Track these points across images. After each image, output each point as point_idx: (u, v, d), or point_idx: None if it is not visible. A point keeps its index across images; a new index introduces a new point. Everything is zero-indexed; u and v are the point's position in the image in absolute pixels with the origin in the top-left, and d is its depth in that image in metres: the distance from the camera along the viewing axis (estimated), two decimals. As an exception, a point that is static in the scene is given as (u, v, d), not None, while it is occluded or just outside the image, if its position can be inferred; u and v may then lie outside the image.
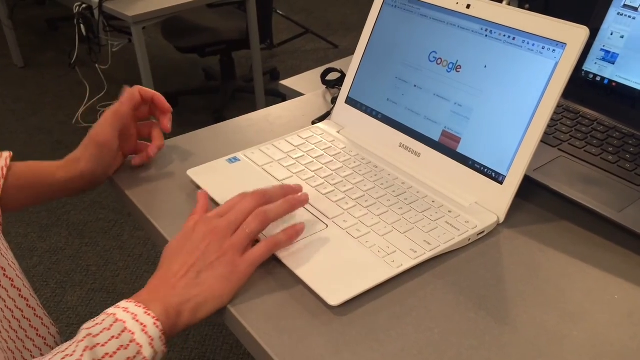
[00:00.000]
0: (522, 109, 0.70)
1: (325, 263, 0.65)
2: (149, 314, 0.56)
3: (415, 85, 0.82)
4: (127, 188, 0.81)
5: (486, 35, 0.75)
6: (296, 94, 1.38)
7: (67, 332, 1.86)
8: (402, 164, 0.81)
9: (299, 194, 0.69)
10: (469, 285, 0.64)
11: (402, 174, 0.80)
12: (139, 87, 0.83)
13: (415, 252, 0.66)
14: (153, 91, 0.84)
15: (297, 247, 0.67)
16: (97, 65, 2.86)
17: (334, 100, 0.98)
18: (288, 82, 1.58)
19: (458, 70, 0.78)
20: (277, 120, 0.98)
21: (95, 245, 2.24)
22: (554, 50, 0.69)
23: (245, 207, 0.66)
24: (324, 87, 1.06)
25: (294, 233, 0.67)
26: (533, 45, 0.70)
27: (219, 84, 3.16)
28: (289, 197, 0.68)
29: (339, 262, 0.65)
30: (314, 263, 0.65)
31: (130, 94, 0.80)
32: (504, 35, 0.73)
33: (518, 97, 0.71)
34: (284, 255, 0.66)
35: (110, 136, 0.78)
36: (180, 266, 0.61)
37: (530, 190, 0.75)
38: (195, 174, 0.81)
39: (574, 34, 0.67)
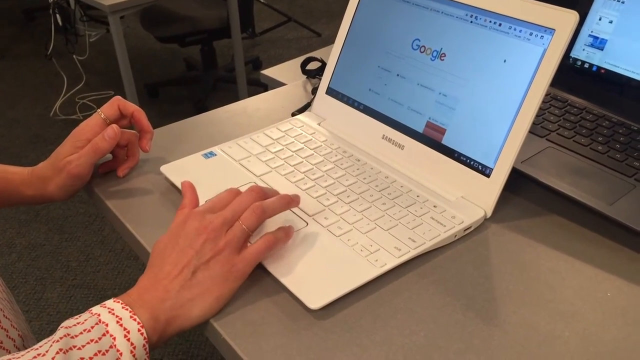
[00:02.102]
0: (509, 98, 0.67)
1: (304, 263, 0.62)
2: (134, 319, 0.53)
3: (398, 75, 0.79)
4: (97, 185, 0.78)
5: (471, 22, 0.72)
6: (278, 84, 1.34)
7: (48, 329, 1.81)
8: (385, 156, 0.78)
9: (293, 194, 0.66)
10: (455, 285, 0.61)
11: (386, 168, 0.76)
12: (119, 100, 0.78)
13: (400, 250, 0.63)
14: (134, 107, 0.79)
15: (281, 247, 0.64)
16: (74, 56, 2.80)
17: (314, 91, 0.94)
18: (269, 72, 1.54)
19: (442, 58, 0.74)
20: (255, 112, 0.94)
21: (75, 240, 2.19)
22: (542, 36, 0.66)
23: (243, 203, 0.61)
24: (305, 77, 1.03)
25: (291, 230, 0.64)
26: (520, 31, 0.67)
27: (200, 74, 3.11)
28: (284, 195, 0.64)
29: (319, 263, 0.62)
30: (293, 264, 0.62)
31: (114, 132, 0.74)
32: (490, 22, 0.70)
33: (505, 86, 0.68)
34: (261, 256, 0.63)
35: (86, 171, 0.74)
36: (173, 266, 0.57)
37: (519, 183, 0.72)
38: (169, 170, 0.78)
39: (563, 19, 0.64)
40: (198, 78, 3.11)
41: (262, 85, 1.43)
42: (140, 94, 2.82)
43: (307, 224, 0.67)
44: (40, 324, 1.84)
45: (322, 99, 0.88)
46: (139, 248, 0.68)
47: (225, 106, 0.96)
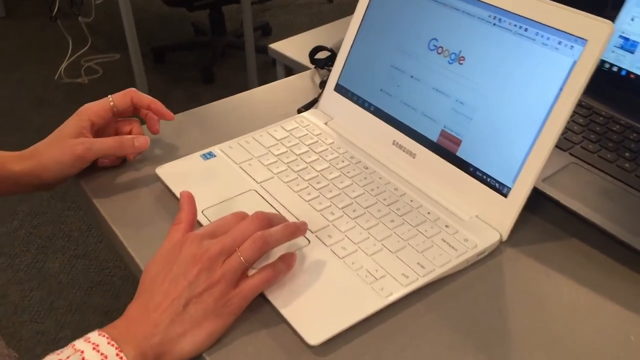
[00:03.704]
0: (533, 112, 0.62)
1: (305, 291, 0.58)
2: (120, 357, 0.49)
3: (412, 76, 0.73)
4: (86, 183, 0.73)
5: (494, 24, 0.66)
6: (287, 60, 1.29)
7: (48, 300, 1.80)
8: (395, 165, 0.73)
9: (299, 221, 0.60)
10: (466, 319, 0.56)
11: (395, 178, 0.71)
12: (134, 92, 0.75)
13: (407, 277, 0.59)
14: (149, 99, 0.76)
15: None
16: (79, 18, 2.73)
17: (322, 84, 0.89)
18: (278, 46, 1.48)
19: (461, 62, 0.69)
20: (260, 105, 0.89)
21: (77, 210, 2.16)
22: (572, 46, 0.60)
23: (245, 231, 0.56)
24: (313, 66, 0.97)
25: (293, 261, 0.58)
26: (548, 39, 0.61)
27: (209, 39, 3.03)
28: (289, 223, 0.59)
29: (321, 290, 0.58)
30: (294, 292, 0.57)
31: (144, 145, 0.73)
32: (515, 25, 0.64)
33: (528, 98, 0.62)
34: (259, 280, 0.58)
35: (91, 157, 0.72)
36: (164, 297, 0.53)
37: (537, 200, 0.67)
38: (165, 172, 0.73)
39: (597, 29, 0.58)
40: (206, 43, 3.03)
41: (270, 56, 1.38)
42: (147, 58, 2.75)
43: (309, 242, 0.63)
44: (41, 294, 1.82)
45: (330, 96, 0.83)
46: (129, 259, 0.64)
47: (228, 98, 0.91)
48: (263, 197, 0.69)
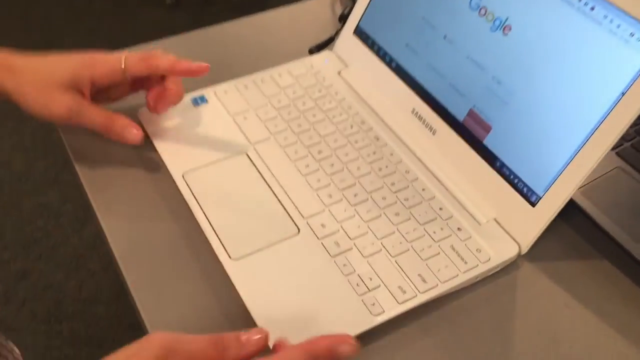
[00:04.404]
0: (585, 112, 0.51)
1: (285, 296, 0.50)
2: None
3: (445, 37, 0.61)
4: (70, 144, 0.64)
5: (554, -8, 0.53)
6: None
7: (53, 171, 1.75)
8: (411, 139, 0.63)
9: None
10: (467, 351, 0.49)
11: (408, 156, 0.62)
12: (154, 59, 0.58)
13: (404, 292, 0.51)
14: (172, 61, 0.59)
15: (256, 261, 0.52)
16: None
17: (342, 19, 0.76)
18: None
19: (506, 31, 0.57)
20: (267, 35, 0.78)
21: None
22: (646, 41, 0.48)
23: None
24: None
25: None
26: (618, 26, 0.49)
27: None
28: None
29: (304, 297, 0.50)
30: (272, 295, 0.50)
31: (108, 125, 0.59)
32: (580, 0, 0.52)
33: (582, 93, 0.51)
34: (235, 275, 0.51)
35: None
36: None
37: (567, 206, 0.58)
38: (147, 116, 0.64)
39: (682, 25, 0.46)
40: None
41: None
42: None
43: (299, 230, 0.55)
44: (46, 164, 1.77)
45: (348, 40, 0.71)
46: (85, 196, 0.57)
47: (232, 21, 0.79)
48: (254, 165, 0.60)
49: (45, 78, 0.57)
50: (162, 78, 0.61)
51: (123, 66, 0.58)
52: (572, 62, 0.52)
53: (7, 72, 0.57)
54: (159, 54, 0.59)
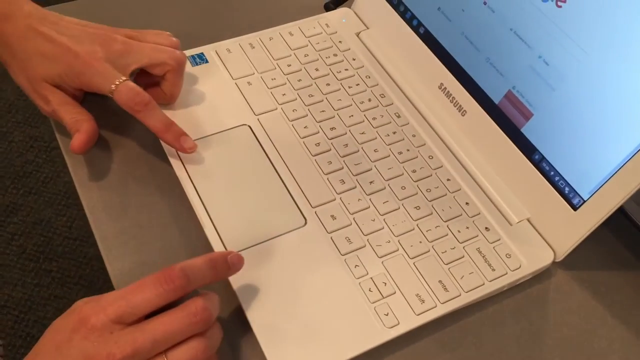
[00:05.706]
0: (645, 108, 0.44)
1: (287, 302, 0.44)
2: None
3: (485, 3, 0.53)
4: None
5: (623, -40, 0.45)
6: None
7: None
8: (436, 119, 0.56)
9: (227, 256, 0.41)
10: (487, 373, 0.44)
11: (433, 139, 0.55)
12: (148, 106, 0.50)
13: (423, 302, 0.45)
14: (162, 124, 0.50)
15: (253, 257, 0.46)
16: None
17: (364, -30, 0.68)
18: None
19: (560, 4, 0.49)
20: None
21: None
22: None
23: (173, 329, 0.37)
24: None
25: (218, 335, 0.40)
26: (700, 8, 0.41)
27: None
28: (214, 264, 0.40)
29: (309, 305, 0.44)
30: (272, 299, 0.44)
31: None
32: (654, -28, 0.43)
33: (644, 85, 0.44)
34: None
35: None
36: None
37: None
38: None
39: None
40: None
41: None
42: None
43: (306, 222, 0.48)
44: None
45: (371, -3, 0.62)
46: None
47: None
48: (258, 140, 0.53)
49: (32, 75, 0.51)
50: (162, 78, 0.52)
51: (111, 95, 0.49)
52: (637, 46, 0.44)
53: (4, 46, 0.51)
54: (155, 107, 0.50)
